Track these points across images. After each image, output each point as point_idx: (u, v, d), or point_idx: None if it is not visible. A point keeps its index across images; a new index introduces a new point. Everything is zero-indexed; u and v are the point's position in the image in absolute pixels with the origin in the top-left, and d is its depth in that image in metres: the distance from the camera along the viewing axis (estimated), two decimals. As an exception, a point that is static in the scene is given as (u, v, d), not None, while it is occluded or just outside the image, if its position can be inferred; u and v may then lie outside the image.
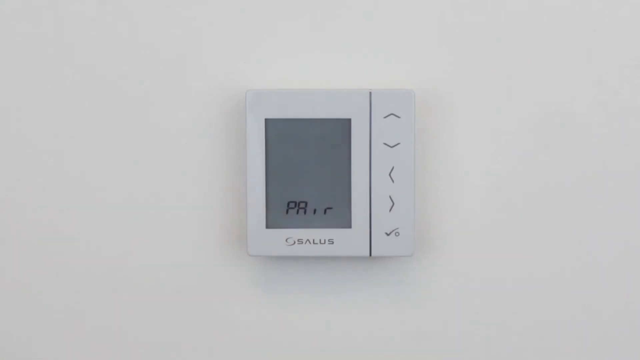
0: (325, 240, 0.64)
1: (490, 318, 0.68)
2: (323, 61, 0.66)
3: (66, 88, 0.66)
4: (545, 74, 0.66)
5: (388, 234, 0.64)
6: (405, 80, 0.66)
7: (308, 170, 0.64)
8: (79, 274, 0.68)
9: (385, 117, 0.63)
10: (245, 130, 0.64)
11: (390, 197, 0.64)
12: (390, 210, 0.64)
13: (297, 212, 0.64)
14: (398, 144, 0.63)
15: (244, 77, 0.66)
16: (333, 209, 0.64)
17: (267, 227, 0.64)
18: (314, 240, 0.64)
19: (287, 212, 0.64)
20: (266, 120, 0.63)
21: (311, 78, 0.66)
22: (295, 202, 0.64)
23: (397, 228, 0.64)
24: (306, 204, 0.64)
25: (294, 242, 0.64)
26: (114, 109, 0.67)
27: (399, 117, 0.63)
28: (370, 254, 0.64)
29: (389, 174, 0.64)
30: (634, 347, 0.68)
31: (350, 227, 0.64)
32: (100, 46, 0.66)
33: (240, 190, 0.67)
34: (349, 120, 0.63)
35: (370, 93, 0.63)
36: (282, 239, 0.64)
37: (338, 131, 0.63)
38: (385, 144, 0.63)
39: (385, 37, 0.66)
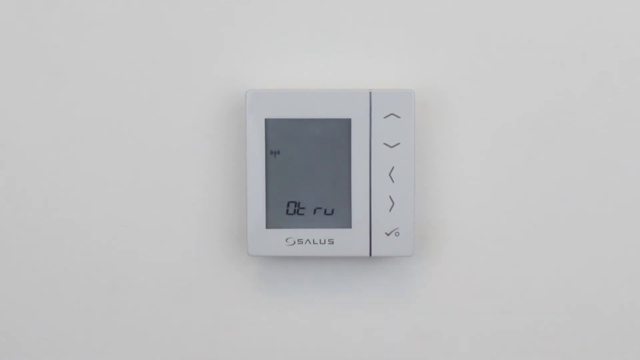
0: (325, 240, 0.64)
1: (490, 318, 0.68)
2: (323, 61, 0.66)
3: (67, 87, 0.66)
4: (544, 73, 0.66)
5: (388, 234, 0.64)
6: (405, 80, 0.66)
7: (308, 170, 0.64)
8: (79, 272, 0.68)
9: (385, 117, 0.63)
10: (245, 130, 0.64)
11: (390, 197, 0.64)
12: (390, 210, 0.64)
13: (297, 212, 0.64)
14: (398, 144, 0.63)
15: (244, 77, 0.66)
16: (333, 209, 0.64)
17: (267, 227, 0.64)
18: (314, 240, 0.64)
19: (287, 212, 0.64)
20: (266, 120, 0.63)
21: (311, 78, 0.66)
22: (295, 202, 0.64)
23: (397, 228, 0.64)
24: (306, 204, 0.64)
25: (294, 242, 0.64)
26: (113, 109, 0.67)
27: (399, 117, 0.63)
28: (370, 254, 0.64)
29: (389, 174, 0.64)
30: (634, 347, 0.68)
31: (350, 227, 0.64)
32: (100, 46, 0.66)
33: (240, 190, 0.67)
34: (349, 120, 0.63)
35: (370, 93, 0.63)
36: (282, 239, 0.64)
37: (338, 131, 0.63)
38: (385, 144, 0.63)
39: (385, 37, 0.66)
